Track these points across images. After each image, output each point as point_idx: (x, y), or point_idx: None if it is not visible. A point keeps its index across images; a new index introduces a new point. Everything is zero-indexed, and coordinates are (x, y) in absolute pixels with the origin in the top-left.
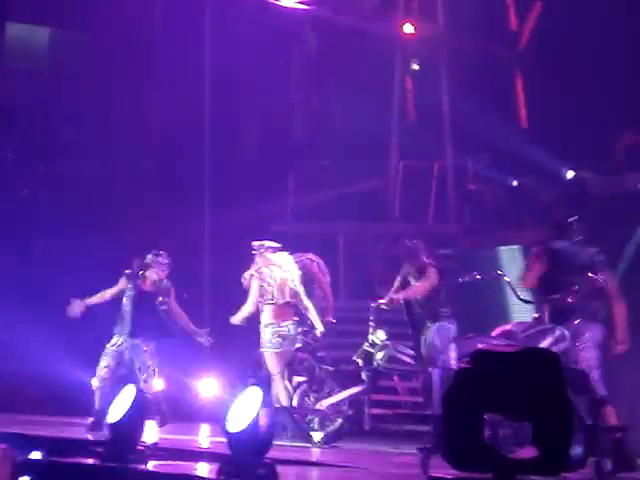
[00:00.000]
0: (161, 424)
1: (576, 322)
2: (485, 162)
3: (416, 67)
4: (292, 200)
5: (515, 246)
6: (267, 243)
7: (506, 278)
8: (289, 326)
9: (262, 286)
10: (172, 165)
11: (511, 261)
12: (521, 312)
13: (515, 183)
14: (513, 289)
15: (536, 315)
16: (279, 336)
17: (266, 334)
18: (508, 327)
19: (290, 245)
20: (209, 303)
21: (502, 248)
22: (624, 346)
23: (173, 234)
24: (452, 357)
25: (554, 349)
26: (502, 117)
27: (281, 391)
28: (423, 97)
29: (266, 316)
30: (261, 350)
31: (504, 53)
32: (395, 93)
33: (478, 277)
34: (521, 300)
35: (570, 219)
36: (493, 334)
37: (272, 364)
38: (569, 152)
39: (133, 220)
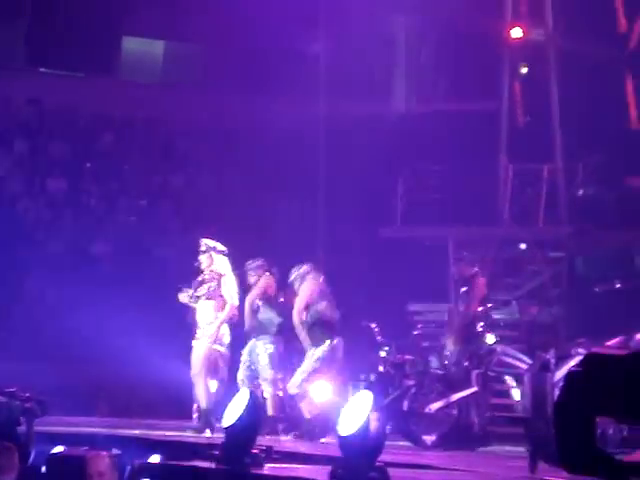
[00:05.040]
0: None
1: None
2: (596, 164)
3: (524, 70)
4: (401, 204)
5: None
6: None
7: None
8: None
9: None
10: (286, 173)
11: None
12: None
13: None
14: None
15: None
16: None
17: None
18: (638, 335)
19: (399, 249)
20: None
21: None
22: None
23: (287, 240)
24: None
25: None
26: (612, 118)
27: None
28: (532, 100)
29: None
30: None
31: (613, 54)
32: (504, 96)
33: (618, 286)
34: None
35: None
36: (611, 342)
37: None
38: None
39: (248, 228)
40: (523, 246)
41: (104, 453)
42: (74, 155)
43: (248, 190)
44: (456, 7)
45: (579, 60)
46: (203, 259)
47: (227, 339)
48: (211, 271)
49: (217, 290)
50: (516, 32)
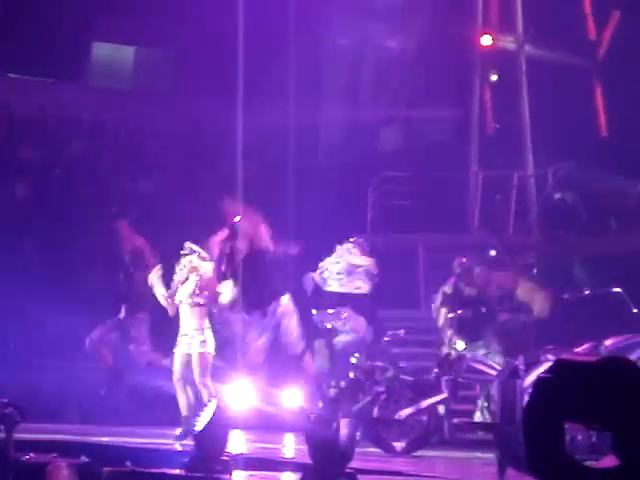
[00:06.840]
0: None
1: None
2: (565, 171)
3: (495, 78)
4: (371, 212)
5: (598, 255)
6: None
7: (616, 289)
8: None
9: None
10: (256, 180)
11: (596, 271)
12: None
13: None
14: (627, 302)
15: None
16: None
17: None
18: (607, 342)
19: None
20: None
21: (585, 258)
22: None
23: None
24: None
25: None
26: (582, 126)
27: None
28: (502, 107)
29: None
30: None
31: (583, 62)
32: (474, 104)
33: (587, 292)
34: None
35: None
36: (580, 349)
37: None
38: None
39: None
40: (493, 253)
41: (62, 464)
42: (43, 161)
43: (218, 196)
44: (426, 15)
45: (549, 67)
46: (185, 262)
47: (212, 342)
48: (202, 288)
49: (202, 297)
50: (486, 40)
